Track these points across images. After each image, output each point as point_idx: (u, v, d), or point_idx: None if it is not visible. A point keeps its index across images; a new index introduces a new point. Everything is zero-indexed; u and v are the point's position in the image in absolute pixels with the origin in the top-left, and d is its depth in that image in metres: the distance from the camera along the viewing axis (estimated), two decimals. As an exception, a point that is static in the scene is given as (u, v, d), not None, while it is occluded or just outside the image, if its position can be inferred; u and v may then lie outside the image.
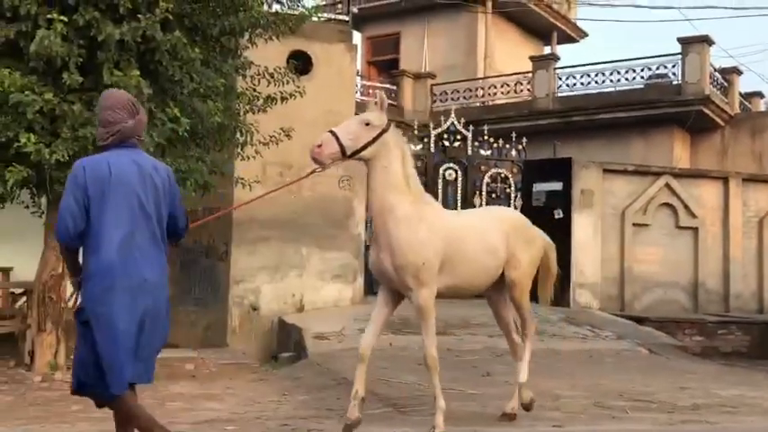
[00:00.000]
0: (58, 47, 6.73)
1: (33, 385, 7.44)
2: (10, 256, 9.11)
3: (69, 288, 8.67)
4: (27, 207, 8.11)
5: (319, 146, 5.11)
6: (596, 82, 19.14)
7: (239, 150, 9.27)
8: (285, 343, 10.56)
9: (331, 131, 5.22)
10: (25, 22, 6.98)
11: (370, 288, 12.16)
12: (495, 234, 5.83)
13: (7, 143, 6.99)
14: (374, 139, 5.28)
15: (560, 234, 10.86)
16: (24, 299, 8.83)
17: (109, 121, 3.88)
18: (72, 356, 8.31)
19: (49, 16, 6.75)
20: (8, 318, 8.70)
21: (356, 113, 12.57)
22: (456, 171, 13.70)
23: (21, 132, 6.87)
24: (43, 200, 7.99)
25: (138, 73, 7.00)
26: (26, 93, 6.76)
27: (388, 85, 20.34)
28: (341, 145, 5.16)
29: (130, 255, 3.72)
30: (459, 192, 13.66)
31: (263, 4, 8.70)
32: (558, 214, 13.58)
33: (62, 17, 6.70)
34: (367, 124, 5.33)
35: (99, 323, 3.67)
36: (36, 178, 7.25)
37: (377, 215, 5.40)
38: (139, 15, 6.97)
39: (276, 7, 9.07)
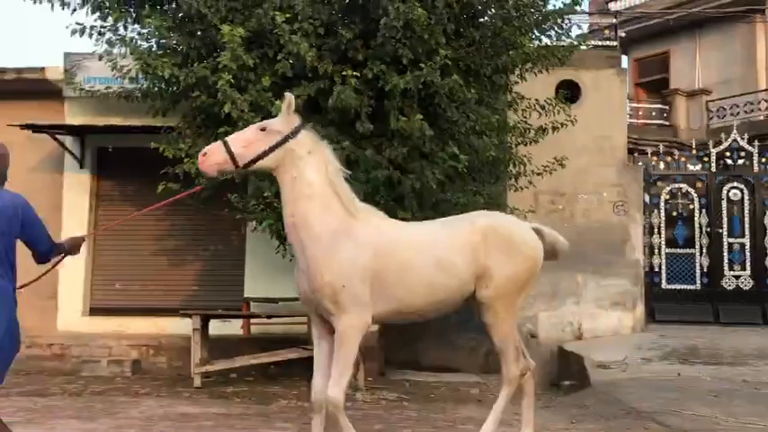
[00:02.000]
0: (351, 99, 7.36)
1: (338, 404, 8.06)
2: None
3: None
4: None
5: (204, 155, 4.64)
6: None
7: (513, 182, 9.46)
8: (565, 371, 10.40)
9: (222, 140, 4.75)
10: (323, 81, 7.71)
11: (652, 316, 11.62)
12: (456, 246, 4.80)
13: (311, 187, 7.74)
14: (274, 147, 4.64)
15: None
16: (327, 325, 9.66)
17: None
18: (369, 378, 9.02)
19: (343, 73, 7.43)
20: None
21: (628, 137, 12.24)
22: (741, 190, 12.64)
23: (322, 177, 7.58)
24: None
25: (421, 117, 7.43)
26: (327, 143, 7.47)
27: (659, 105, 19.45)
28: (230, 153, 4.58)
29: None
30: (747, 212, 12.56)
31: (532, 40, 8.83)
32: None
33: (354, 72, 7.34)
34: (263, 130, 4.73)
35: None
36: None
37: (290, 232, 4.74)
38: (421, 64, 7.42)
39: (545, 41, 9.14)
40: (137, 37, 8.36)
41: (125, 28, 8.42)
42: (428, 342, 11.21)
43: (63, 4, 8.12)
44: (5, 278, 4.16)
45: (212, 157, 4.60)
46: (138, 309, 11.05)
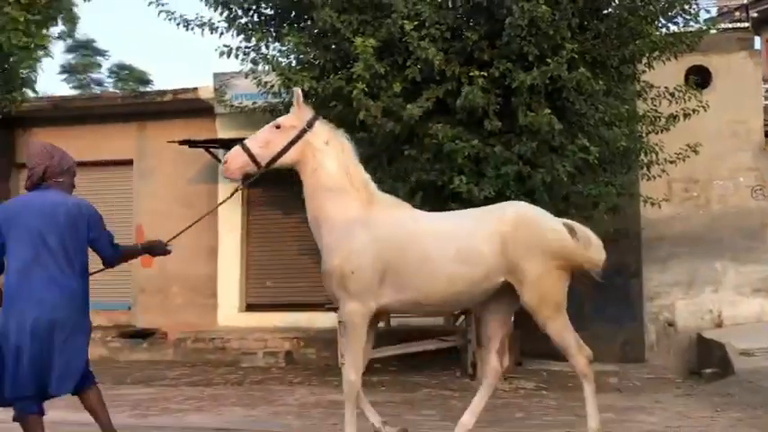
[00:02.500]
0: (479, 98, 7.30)
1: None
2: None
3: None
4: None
5: (226, 161, 4.59)
6: None
7: (645, 171, 9.08)
8: (706, 359, 9.87)
9: (241, 143, 4.64)
10: (450, 82, 7.69)
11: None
12: (480, 238, 4.42)
13: (443, 185, 7.75)
14: (292, 142, 4.54)
15: None
16: (463, 317, 9.63)
17: (28, 167, 4.27)
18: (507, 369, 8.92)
19: (470, 74, 7.40)
20: (451, 334, 9.56)
21: (765, 120, 11.45)
22: None
23: (453, 175, 7.58)
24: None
25: (549, 111, 7.27)
26: (456, 141, 7.45)
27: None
28: (251, 155, 4.53)
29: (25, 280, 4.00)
30: None
31: (658, 28, 8.44)
32: None
33: (481, 72, 7.29)
34: (278, 127, 4.62)
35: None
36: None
37: (312, 224, 4.63)
38: (547, 59, 7.26)
39: (672, 28, 8.71)
40: (277, 54, 8.67)
41: (267, 47, 8.74)
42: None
43: (212, 30, 8.53)
44: (70, 276, 4.15)
45: (234, 162, 4.59)
46: (288, 304, 11.47)
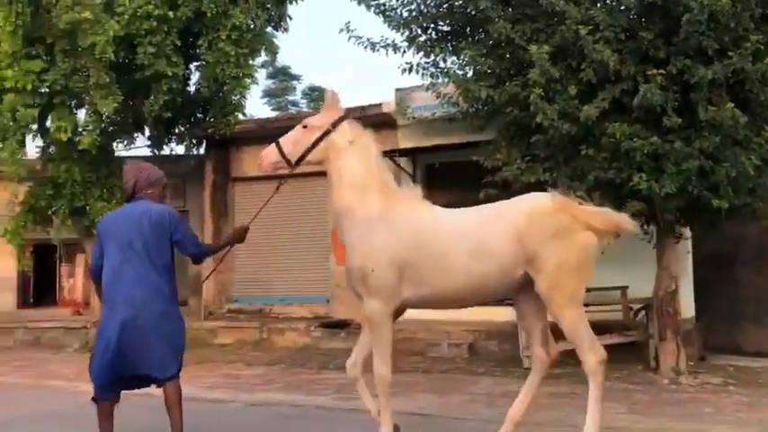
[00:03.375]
0: (657, 96, 6.85)
1: (662, 387, 7.55)
2: (626, 277, 9.50)
3: (683, 301, 8.71)
4: (638, 235, 8.38)
5: (261, 157, 4.67)
6: None
7: None
8: None
9: (276, 141, 4.65)
10: (626, 82, 7.28)
11: None
12: (497, 232, 4.16)
13: (622, 183, 7.36)
14: (317, 142, 4.49)
15: None
16: (643, 312, 9.10)
17: (125, 184, 4.64)
18: (691, 363, 8.31)
19: (647, 72, 6.96)
20: (631, 329, 9.06)
21: None
22: None
23: (633, 173, 7.17)
24: (652, 227, 8.14)
25: (732, 105, 6.67)
26: (634, 139, 7.05)
27: None
28: (282, 153, 4.55)
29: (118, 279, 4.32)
30: None
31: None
32: None
33: (658, 71, 6.84)
34: (305, 127, 4.57)
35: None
36: (647, 210, 7.46)
37: (336, 220, 4.52)
38: (729, 53, 6.68)
39: None
40: (454, 67, 8.66)
41: (444, 61, 8.77)
42: (746, 326, 10.05)
43: (395, 49, 8.71)
44: (154, 273, 4.38)
45: (268, 158, 4.69)
46: (468, 299, 11.43)
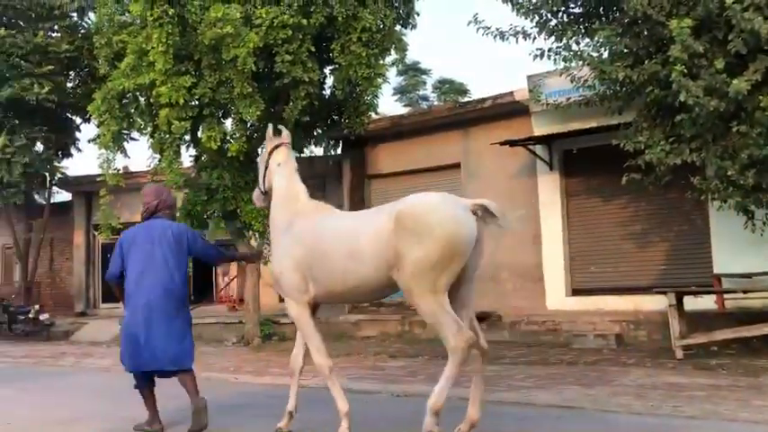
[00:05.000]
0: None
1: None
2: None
3: None
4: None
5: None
6: None
7: None
8: None
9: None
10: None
11: None
12: (369, 234, 4.36)
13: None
14: (265, 169, 5.27)
15: None
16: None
17: (144, 203, 5.39)
18: None
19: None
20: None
21: None
22: None
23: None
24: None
25: None
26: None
27: None
28: (260, 188, 5.38)
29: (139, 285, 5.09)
30: None
31: None
32: None
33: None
34: (259, 162, 5.41)
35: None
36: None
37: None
38: None
39: None
40: (588, 49, 8.41)
41: (577, 44, 8.54)
42: None
43: (525, 36, 8.58)
44: (171, 281, 5.13)
45: (256, 199, 5.54)
46: (613, 288, 11.07)
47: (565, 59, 8.49)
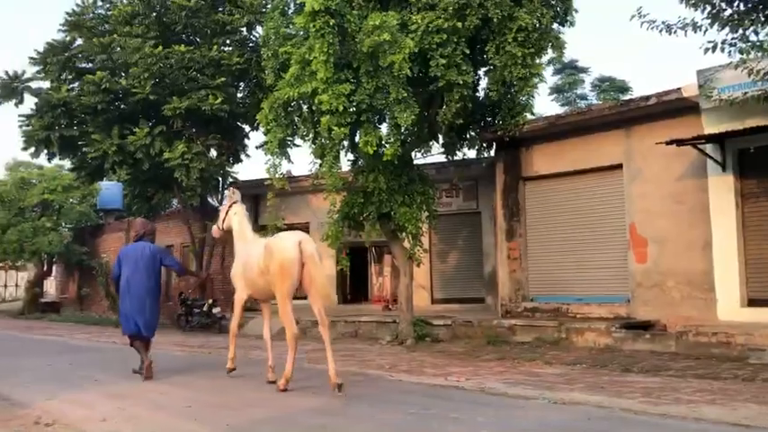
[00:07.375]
0: None
1: None
2: None
3: None
4: None
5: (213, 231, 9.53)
6: None
7: None
8: None
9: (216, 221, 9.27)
10: None
11: None
12: (259, 256, 7.69)
13: None
14: (224, 215, 8.92)
15: None
16: None
17: (135, 231, 9.23)
18: None
19: None
20: None
21: None
22: None
23: None
24: None
25: None
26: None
27: None
28: (219, 226, 9.02)
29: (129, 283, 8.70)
30: None
31: None
32: None
33: None
34: (221, 208, 9.23)
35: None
36: None
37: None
38: None
39: None
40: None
41: (755, 34, 7.90)
42: None
43: (695, 29, 8.06)
44: (149, 281, 8.71)
45: (213, 229, 9.25)
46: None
47: (741, 51, 7.89)
